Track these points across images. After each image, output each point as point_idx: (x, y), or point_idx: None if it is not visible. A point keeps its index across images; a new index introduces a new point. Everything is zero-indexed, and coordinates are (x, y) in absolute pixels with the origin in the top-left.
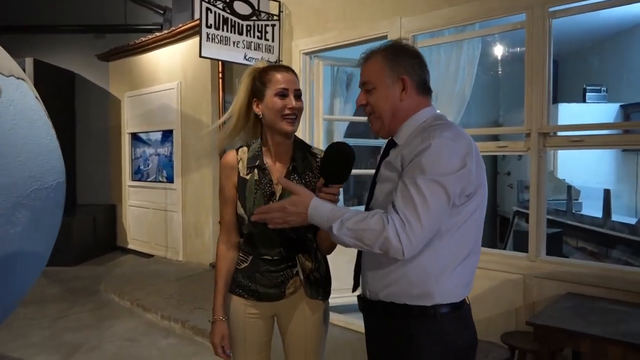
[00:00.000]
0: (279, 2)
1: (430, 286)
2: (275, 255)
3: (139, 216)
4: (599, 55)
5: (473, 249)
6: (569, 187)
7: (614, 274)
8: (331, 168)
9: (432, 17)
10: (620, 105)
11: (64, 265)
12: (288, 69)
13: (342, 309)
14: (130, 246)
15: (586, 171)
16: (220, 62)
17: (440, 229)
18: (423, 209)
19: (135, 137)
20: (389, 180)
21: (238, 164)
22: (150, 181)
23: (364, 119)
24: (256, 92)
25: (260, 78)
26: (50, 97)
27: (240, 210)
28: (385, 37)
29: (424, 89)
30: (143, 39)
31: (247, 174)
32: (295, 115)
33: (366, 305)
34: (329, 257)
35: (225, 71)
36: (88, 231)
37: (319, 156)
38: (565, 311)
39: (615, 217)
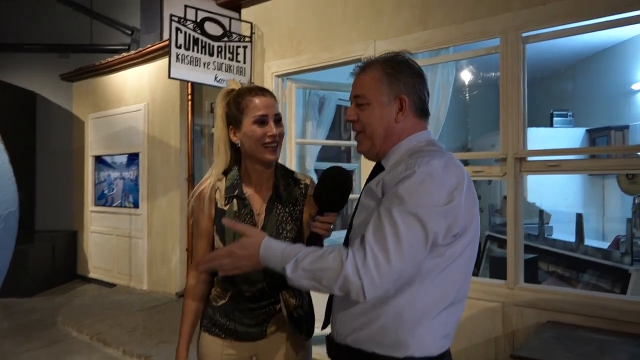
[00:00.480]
0: (251, 23)
1: (404, 335)
2: (256, 292)
3: (102, 243)
4: (564, 81)
5: (457, 296)
6: (541, 212)
7: (594, 302)
8: (328, 195)
9: (406, 40)
10: (586, 130)
11: (19, 297)
12: (265, 92)
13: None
14: (92, 275)
15: (555, 195)
16: (189, 84)
17: (420, 269)
18: (393, 244)
19: (99, 160)
20: (366, 208)
21: (215, 193)
22: (114, 206)
23: (336, 142)
24: (232, 119)
25: (236, 104)
26: (9, 117)
27: (219, 244)
28: (359, 59)
29: (422, 111)
30: (109, 59)
31: (226, 205)
32: (276, 142)
33: (332, 348)
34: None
35: (195, 93)
36: (46, 259)
37: (302, 182)
38: (548, 342)
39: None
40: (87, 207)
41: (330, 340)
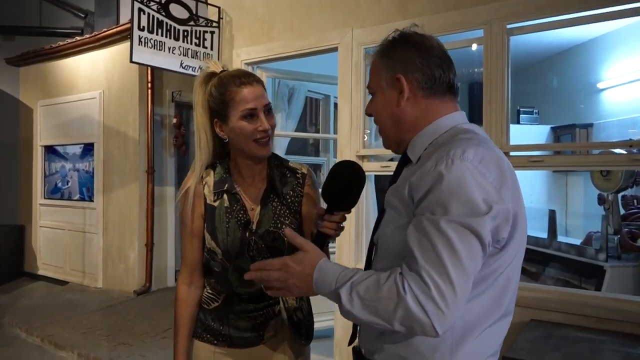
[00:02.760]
0: (219, 7)
1: (443, 356)
2: (255, 293)
3: (53, 238)
4: (531, 77)
5: (509, 307)
6: None
7: (575, 299)
8: (339, 192)
9: (385, 29)
10: (551, 127)
11: None
12: (252, 78)
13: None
14: (41, 272)
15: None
16: (149, 72)
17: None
18: (453, 265)
19: (50, 150)
20: (395, 209)
21: (204, 189)
22: (66, 199)
23: (307, 135)
24: (216, 112)
25: (220, 95)
26: None
27: (211, 244)
28: (335, 48)
29: (436, 89)
30: (61, 43)
31: (215, 201)
32: (268, 136)
33: None
34: None
35: (155, 81)
36: None
37: (299, 171)
38: (536, 342)
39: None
40: (35, 200)
41: (357, 353)
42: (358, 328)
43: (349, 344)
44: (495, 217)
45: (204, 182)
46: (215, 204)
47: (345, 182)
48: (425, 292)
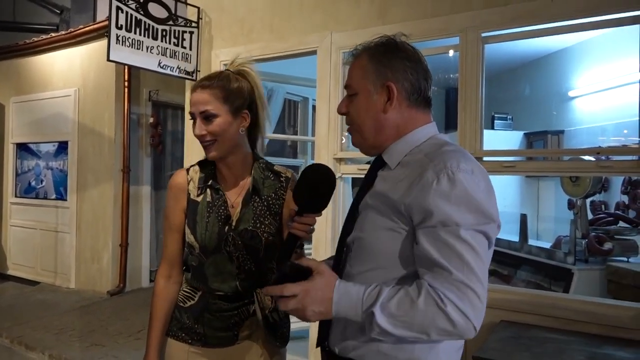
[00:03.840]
0: (198, 8)
1: (422, 350)
2: (229, 291)
3: (23, 238)
4: (505, 84)
5: None
6: None
7: (545, 301)
8: (310, 194)
9: (364, 34)
10: (524, 133)
11: None
12: (200, 85)
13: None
14: (11, 272)
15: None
16: (126, 70)
17: None
18: (480, 268)
19: (22, 147)
20: (380, 212)
21: (188, 184)
22: (39, 198)
23: (287, 137)
24: None
25: None
26: None
27: (190, 238)
28: (314, 52)
29: (420, 101)
30: (35, 39)
31: (198, 195)
32: (208, 141)
33: None
34: None
35: (132, 80)
36: None
37: (282, 175)
38: (506, 342)
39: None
40: (6, 199)
41: (328, 352)
42: (330, 329)
43: (317, 345)
44: (497, 222)
45: (189, 178)
46: (199, 199)
47: (314, 184)
48: (465, 300)
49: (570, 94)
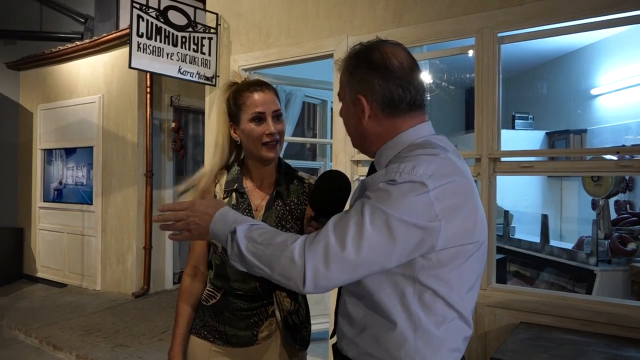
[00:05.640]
0: (217, 14)
1: (407, 354)
2: (249, 291)
3: (52, 241)
4: (526, 83)
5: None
6: (506, 212)
7: (565, 302)
8: (323, 201)
9: (380, 37)
10: (546, 133)
11: None
12: (264, 86)
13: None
14: (40, 274)
15: (515, 196)
16: (148, 76)
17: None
18: (353, 235)
19: (49, 153)
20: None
21: (215, 187)
22: (65, 203)
23: (302, 139)
24: (231, 115)
25: (235, 100)
26: None
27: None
28: (331, 55)
29: (402, 109)
30: (61, 47)
31: (225, 198)
32: (276, 140)
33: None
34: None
35: (154, 86)
36: None
37: (306, 181)
38: (525, 344)
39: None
40: (35, 203)
41: (336, 351)
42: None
43: (331, 337)
44: (424, 235)
45: (216, 181)
46: (224, 201)
47: (325, 191)
48: (311, 243)
49: (593, 92)
